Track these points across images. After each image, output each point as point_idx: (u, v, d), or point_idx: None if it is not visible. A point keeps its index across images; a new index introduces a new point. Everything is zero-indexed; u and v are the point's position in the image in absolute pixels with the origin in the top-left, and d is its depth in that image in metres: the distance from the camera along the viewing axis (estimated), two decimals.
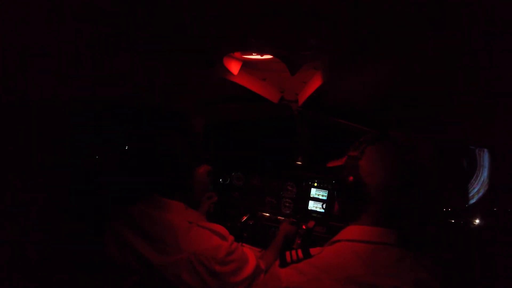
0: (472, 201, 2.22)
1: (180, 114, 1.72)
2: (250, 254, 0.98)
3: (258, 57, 1.02)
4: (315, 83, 1.11)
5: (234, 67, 1.08)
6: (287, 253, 0.79)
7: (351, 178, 0.83)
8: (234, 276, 0.88)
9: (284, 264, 0.76)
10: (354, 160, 0.84)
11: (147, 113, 1.76)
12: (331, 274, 0.69)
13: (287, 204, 2.08)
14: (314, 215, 1.98)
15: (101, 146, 2.20)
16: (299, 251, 0.78)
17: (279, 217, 2.06)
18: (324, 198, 2.01)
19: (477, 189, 2.24)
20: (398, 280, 0.66)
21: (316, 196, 2.03)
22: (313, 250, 0.78)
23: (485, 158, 2.24)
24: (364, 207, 0.80)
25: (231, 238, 0.95)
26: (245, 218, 1.88)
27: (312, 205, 2.02)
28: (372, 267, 0.69)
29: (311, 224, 1.68)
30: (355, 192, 0.81)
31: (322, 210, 1.98)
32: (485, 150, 2.20)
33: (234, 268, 0.88)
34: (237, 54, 1.05)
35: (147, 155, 0.99)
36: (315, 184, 2.05)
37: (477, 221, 2.05)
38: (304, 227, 1.64)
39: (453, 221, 1.93)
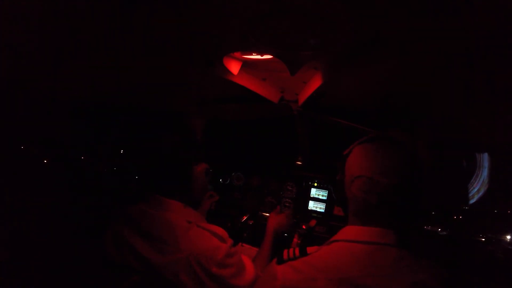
0: (472, 201, 2.22)
1: (179, 114, 1.72)
2: (247, 261, 0.98)
3: (258, 57, 1.02)
4: (315, 83, 1.11)
5: (234, 67, 1.08)
6: (285, 250, 0.79)
7: (338, 177, 0.83)
8: (233, 279, 0.88)
9: (281, 261, 0.76)
10: (343, 159, 0.84)
11: (147, 113, 1.76)
12: (327, 274, 0.68)
13: (287, 204, 2.08)
14: (314, 215, 1.98)
15: (101, 146, 2.21)
16: (296, 249, 0.78)
17: None
18: (324, 198, 2.01)
19: (477, 189, 2.24)
20: (395, 281, 0.65)
21: (316, 196, 2.03)
22: (309, 249, 0.78)
23: (485, 158, 2.24)
24: (356, 207, 0.79)
25: (230, 241, 0.94)
26: (245, 218, 1.88)
27: (312, 205, 2.02)
28: (369, 268, 0.68)
29: (312, 223, 1.68)
30: (344, 192, 0.81)
31: (322, 210, 1.98)
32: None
33: (233, 273, 0.88)
34: (237, 54, 1.05)
35: (147, 155, 1.00)
36: (315, 184, 2.05)
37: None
38: (304, 226, 1.64)
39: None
